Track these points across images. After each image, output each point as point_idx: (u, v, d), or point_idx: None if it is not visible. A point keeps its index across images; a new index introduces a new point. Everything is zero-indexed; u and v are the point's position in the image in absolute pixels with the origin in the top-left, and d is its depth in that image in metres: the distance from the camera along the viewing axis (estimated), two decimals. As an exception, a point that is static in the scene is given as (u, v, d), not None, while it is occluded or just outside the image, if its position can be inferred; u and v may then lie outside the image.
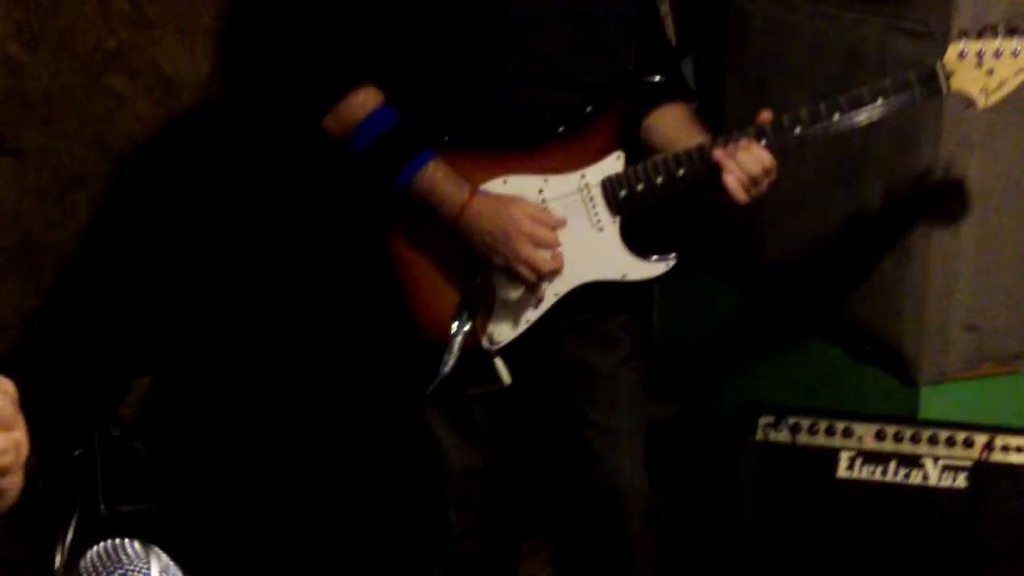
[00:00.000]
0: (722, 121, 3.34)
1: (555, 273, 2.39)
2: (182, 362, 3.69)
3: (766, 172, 2.34)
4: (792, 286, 3.43)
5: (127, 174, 3.57)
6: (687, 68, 3.53)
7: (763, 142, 2.33)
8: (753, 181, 2.33)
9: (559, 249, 2.38)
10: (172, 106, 3.60)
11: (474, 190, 2.36)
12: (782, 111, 2.38)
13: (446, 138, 2.38)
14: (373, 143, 2.34)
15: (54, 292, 3.57)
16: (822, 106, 2.33)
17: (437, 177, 2.34)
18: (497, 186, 2.39)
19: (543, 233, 2.37)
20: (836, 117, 2.33)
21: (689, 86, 2.55)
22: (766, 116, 2.36)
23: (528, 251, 2.35)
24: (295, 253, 3.63)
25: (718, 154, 2.33)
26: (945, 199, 2.88)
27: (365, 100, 2.36)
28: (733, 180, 2.32)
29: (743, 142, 2.32)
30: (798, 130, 2.34)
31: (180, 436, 3.61)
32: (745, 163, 2.31)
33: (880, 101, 2.32)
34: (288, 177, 3.57)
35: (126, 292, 3.61)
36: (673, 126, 2.54)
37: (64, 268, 3.57)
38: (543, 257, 2.36)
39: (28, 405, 1.33)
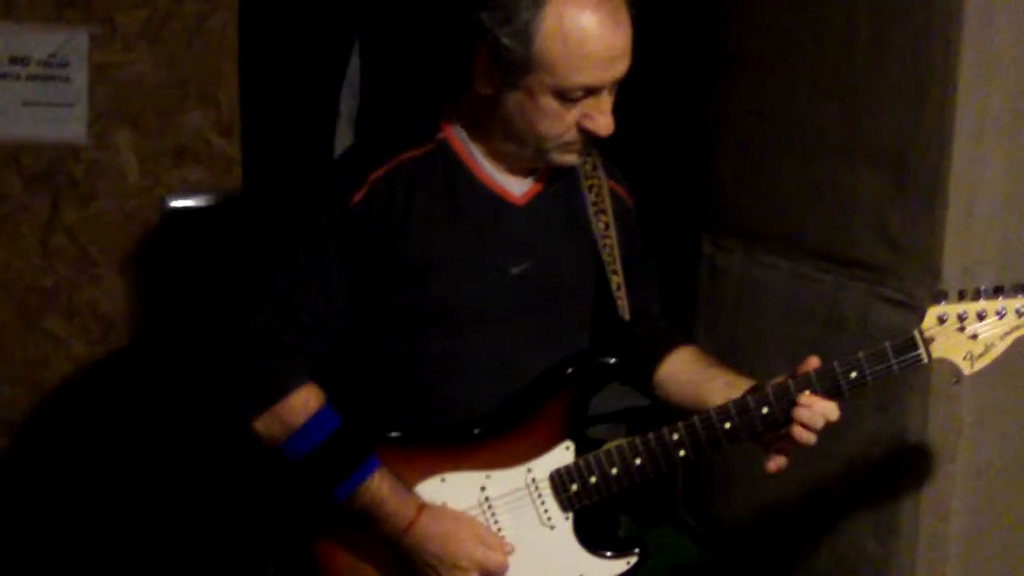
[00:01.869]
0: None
1: None
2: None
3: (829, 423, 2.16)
4: (766, 556, 3.24)
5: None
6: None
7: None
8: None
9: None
10: (110, 346, 3.43)
11: (421, 508, 2.18)
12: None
13: (395, 435, 2.22)
14: (312, 451, 2.16)
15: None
16: (790, 382, 2.16)
17: (382, 492, 2.16)
18: (434, 485, 2.21)
19: (492, 561, 2.19)
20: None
21: (647, 370, 2.36)
22: (815, 362, 2.17)
23: None
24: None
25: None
26: (935, 476, 2.71)
27: (307, 400, 2.18)
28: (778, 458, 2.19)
29: (804, 399, 2.13)
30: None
31: None
32: (811, 420, 2.14)
33: (855, 375, 2.13)
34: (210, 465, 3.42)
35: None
36: (686, 377, 2.38)
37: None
38: None
39: None
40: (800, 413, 2.13)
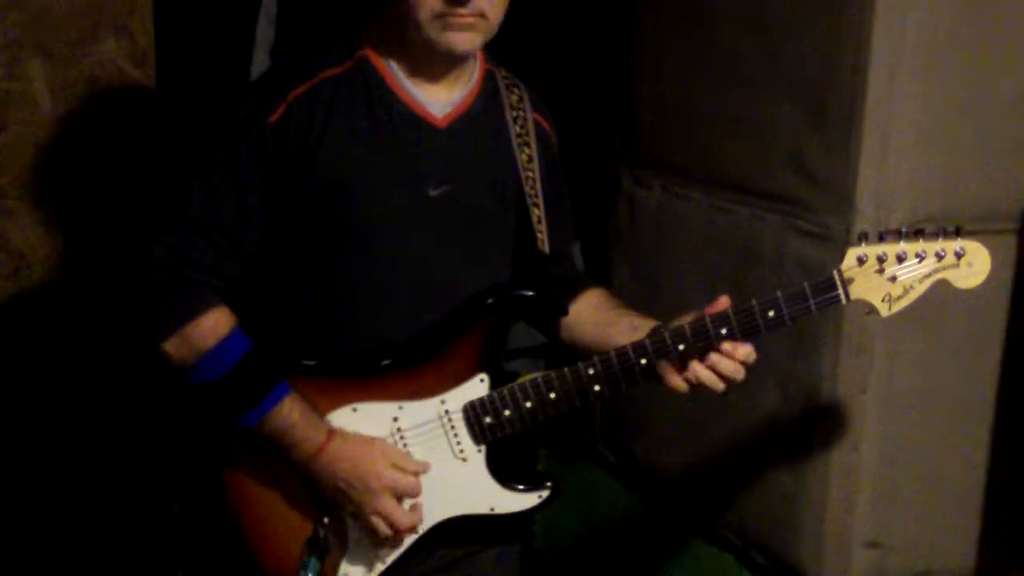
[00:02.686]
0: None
1: (412, 529, 2.18)
2: None
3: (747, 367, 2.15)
4: (684, 491, 3.27)
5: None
6: (575, 251, 3.40)
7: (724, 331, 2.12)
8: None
9: (420, 500, 2.18)
10: (22, 282, 3.37)
11: (331, 432, 2.16)
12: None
13: (308, 363, 2.19)
14: (222, 375, 2.12)
15: None
16: (708, 319, 2.13)
17: (293, 417, 2.13)
18: (346, 414, 2.19)
19: (404, 482, 2.17)
20: (724, 331, 2.12)
21: (562, 302, 2.34)
22: (725, 302, 2.14)
23: (385, 505, 2.15)
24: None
25: (689, 376, 2.14)
26: (845, 409, 2.74)
27: (216, 323, 2.14)
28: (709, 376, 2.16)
29: (726, 346, 2.11)
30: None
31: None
32: (734, 372, 2.13)
33: (772, 314, 2.12)
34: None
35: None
36: (593, 319, 2.38)
37: None
38: (401, 511, 2.16)
39: None
40: (722, 364, 2.12)
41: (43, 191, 3.38)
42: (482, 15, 2.09)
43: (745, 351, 2.13)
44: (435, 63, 2.19)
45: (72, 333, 3.42)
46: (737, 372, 2.13)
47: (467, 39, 2.12)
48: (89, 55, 3.39)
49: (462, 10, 2.07)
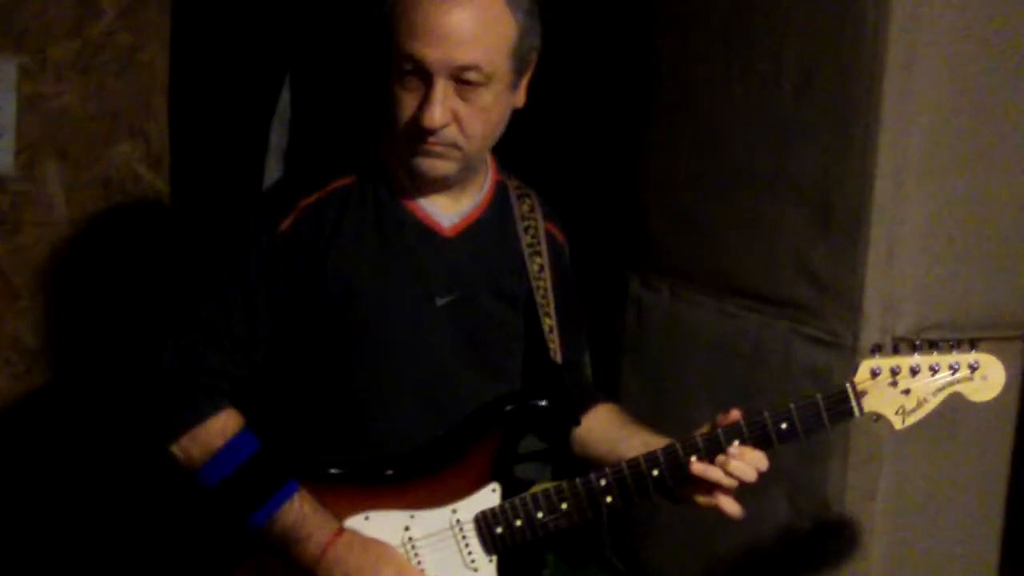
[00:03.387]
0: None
1: None
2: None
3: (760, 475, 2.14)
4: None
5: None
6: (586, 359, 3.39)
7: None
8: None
9: None
10: (33, 381, 3.38)
11: (341, 529, 2.14)
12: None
13: (331, 471, 2.19)
14: (232, 474, 2.12)
15: None
16: (720, 431, 2.14)
17: (305, 510, 2.12)
18: (358, 523, 2.17)
19: None
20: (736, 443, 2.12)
21: (575, 414, 2.33)
22: (736, 415, 2.15)
23: None
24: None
25: (698, 468, 2.12)
26: (854, 518, 2.71)
27: (226, 424, 2.15)
28: (728, 502, 2.15)
29: (733, 449, 2.11)
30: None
31: None
32: (742, 472, 2.11)
33: (785, 427, 2.11)
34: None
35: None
36: (605, 434, 2.36)
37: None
38: None
39: None
40: (732, 464, 2.11)
41: (56, 292, 3.40)
42: (454, 145, 2.10)
43: (755, 455, 2.12)
44: (443, 183, 2.21)
45: (80, 434, 3.43)
46: (746, 473, 2.12)
47: (439, 165, 2.13)
48: (104, 157, 3.44)
49: (431, 138, 2.08)
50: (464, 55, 2.03)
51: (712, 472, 2.12)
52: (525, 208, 2.35)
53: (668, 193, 3.30)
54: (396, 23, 2.05)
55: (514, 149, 2.32)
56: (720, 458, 2.12)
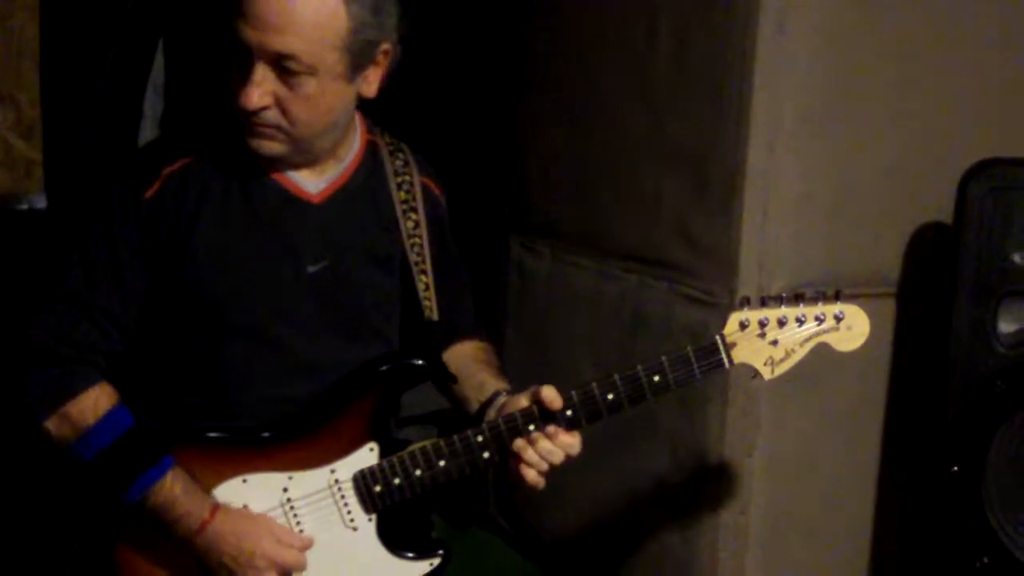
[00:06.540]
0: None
1: None
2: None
3: (571, 458, 2.16)
4: (575, 555, 3.26)
5: None
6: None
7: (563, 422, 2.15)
8: (554, 467, 2.16)
9: (306, 574, 2.18)
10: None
11: (215, 508, 2.14)
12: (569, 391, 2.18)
13: (208, 434, 2.18)
14: (103, 451, 2.11)
15: None
16: (594, 385, 2.16)
17: (175, 492, 2.12)
18: (236, 486, 2.18)
19: (288, 558, 2.16)
20: (611, 396, 2.15)
21: (451, 374, 2.36)
22: (550, 395, 2.15)
23: None
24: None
25: (519, 444, 2.15)
26: (733, 472, 2.77)
27: (98, 400, 2.13)
28: (534, 475, 2.15)
29: (550, 429, 2.14)
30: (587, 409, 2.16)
31: None
32: (550, 453, 2.14)
33: (658, 379, 2.15)
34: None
35: None
36: (455, 369, 2.37)
37: None
38: None
39: None
40: (540, 443, 2.15)
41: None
42: (278, 127, 2.09)
43: (566, 440, 2.16)
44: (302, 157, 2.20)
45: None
46: (552, 454, 2.15)
47: (266, 145, 2.12)
48: (-26, 127, 3.37)
49: (253, 119, 2.08)
50: (281, 43, 2.01)
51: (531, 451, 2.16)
52: (399, 164, 2.35)
53: (548, 159, 3.34)
54: (234, 1, 2.03)
55: (392, 108, 2.31)
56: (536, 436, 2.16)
